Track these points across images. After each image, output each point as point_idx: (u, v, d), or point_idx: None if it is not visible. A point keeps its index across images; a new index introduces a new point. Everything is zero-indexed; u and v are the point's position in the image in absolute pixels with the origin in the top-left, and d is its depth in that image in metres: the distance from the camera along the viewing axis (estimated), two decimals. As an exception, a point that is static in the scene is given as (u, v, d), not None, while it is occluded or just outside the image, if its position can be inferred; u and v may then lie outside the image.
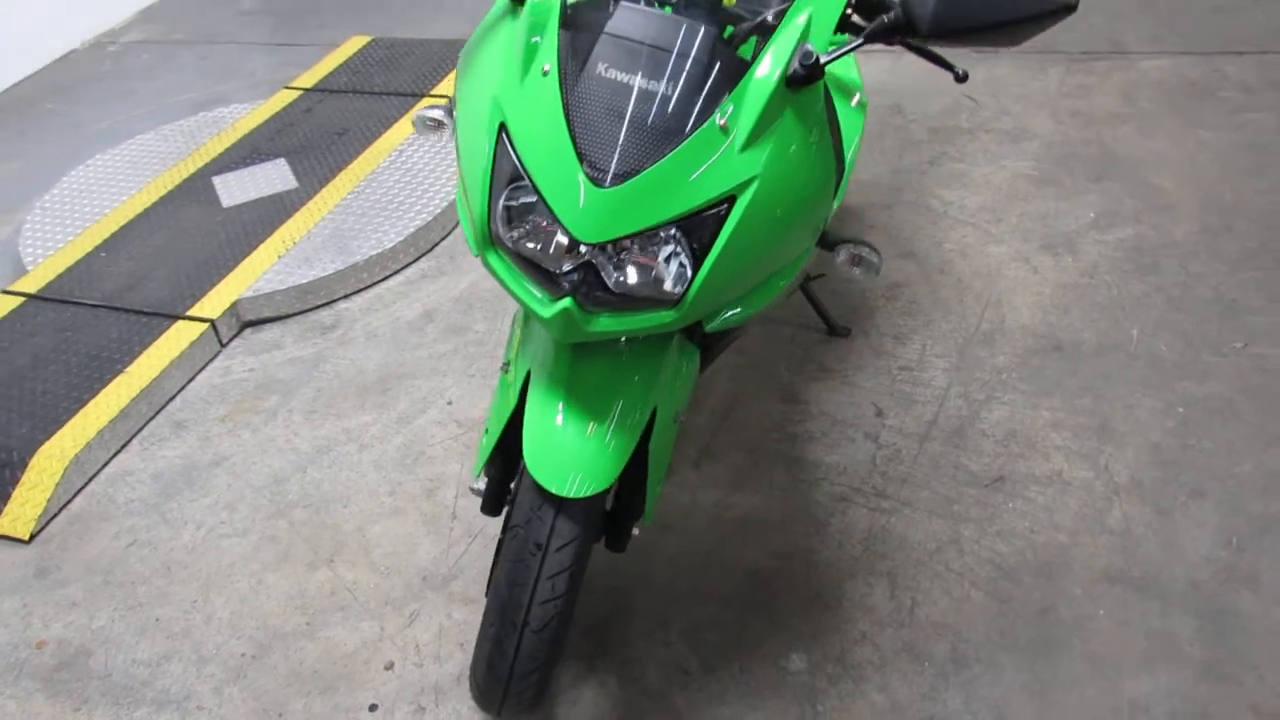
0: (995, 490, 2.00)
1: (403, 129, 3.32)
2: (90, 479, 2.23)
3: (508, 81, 1.22)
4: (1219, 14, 3.73)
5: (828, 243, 1.45)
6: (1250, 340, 2.29)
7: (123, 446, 2.32)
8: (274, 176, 3.12)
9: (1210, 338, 2.31)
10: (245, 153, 3.26)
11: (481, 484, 1.58)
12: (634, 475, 1.49)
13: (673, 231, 1.20)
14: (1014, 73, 3.50)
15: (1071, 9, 1.12)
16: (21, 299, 2.67)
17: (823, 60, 1.18)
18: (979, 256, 2.65)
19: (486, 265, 1.29)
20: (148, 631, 1.89)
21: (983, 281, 2.56)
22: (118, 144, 3.46)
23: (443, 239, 2.95)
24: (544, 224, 1.21)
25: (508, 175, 1.22)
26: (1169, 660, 1.68)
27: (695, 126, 1.18)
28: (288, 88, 3.67)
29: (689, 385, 1.50)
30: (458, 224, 2.99)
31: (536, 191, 1.19)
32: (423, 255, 2.88)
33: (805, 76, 1.18)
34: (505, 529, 1.42)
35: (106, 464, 2.27)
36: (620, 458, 1.35)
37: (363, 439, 2.28)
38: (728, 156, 1.18)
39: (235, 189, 3.07)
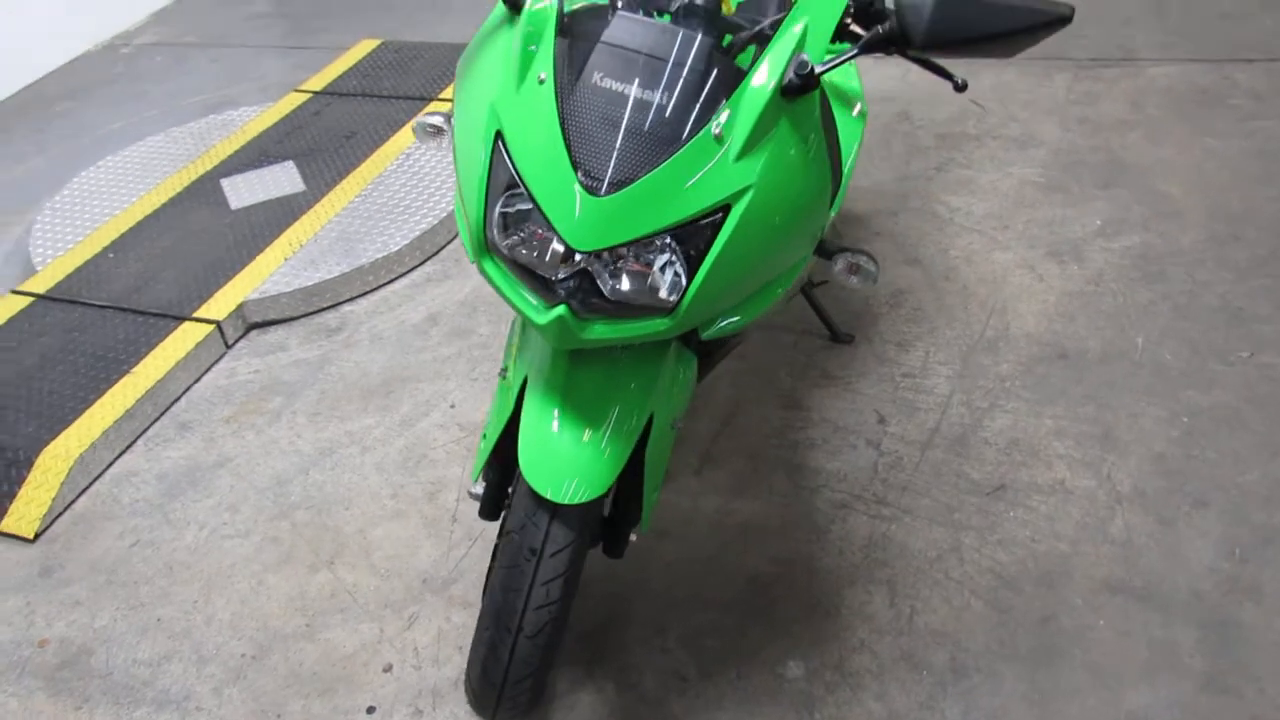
0: (997, 499, 2.00)
1: (410, 133, 3.33)
2: (95, 479, 2.25)
3: (504, 89, 1.22)
4: (1228, 20, 3.71)
5: (825, 251, 1.44)
6: (1257, 349, 2.28)
7: (128, 447, 2.33)
8: (282, 179, 3.13)
9: (1217, 346, 2.30)
10: (254, 155, 3.28)
11: (480, 488, 1.59)
12: (632, 482, 1.49)
13: (667, 240, 1.20)
14: (1022, 79, 3.49)
15: (1066, 21, 1.12)
16: (30, 299, 2.70)
17: (818, 70, 1.18)
18: (984, 263, 2.64)
19: (482, 272, 1.29)
20: (149, 631, 1.90)
21: (988, 288, 2.55)
22: (128, 146, 3.49)
23: (448, 243, 2.96)
24: (539, 232, 1.21)
25: (504, 183, 1.23)
26: (1170, 671, 1.67)
27: (690, 135, 1.18)
28: (297, 91, 3.69)
29: (686, 392, 1.50)
30: (464, 227, 2.99)
31: (532, 199, 1.19)
32: (428, 259, 2.89)
33: (801, 86, 1.18)
34: (501, 534, 1.43)
35: (111, 464, 2.29)
36: (616, 464, 1.35)
37: (366, 441, 2.29)
38: (723, 165, 1.18)
39: (243, 191, 3.09)
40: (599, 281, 1.23)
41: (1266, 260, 2.53)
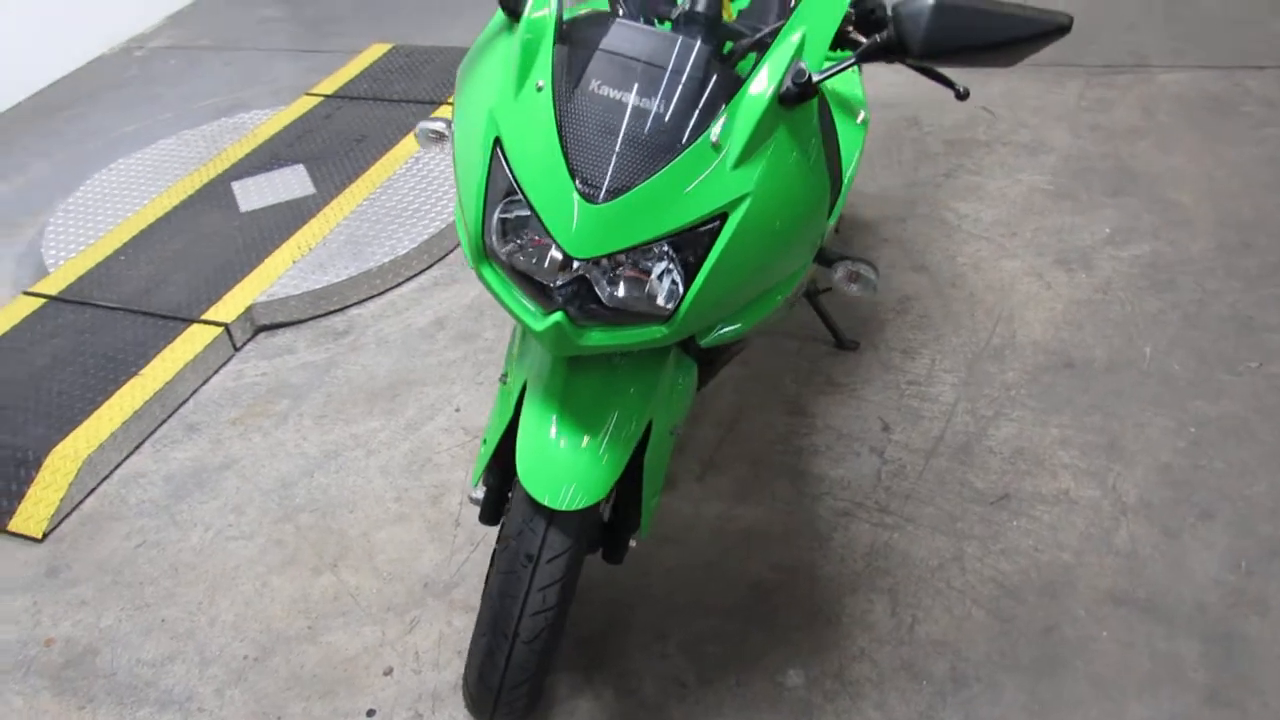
0: (1000, 508, 1.99)
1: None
2: (103, 479, 2.27)
3: (503, 96, 1.23)
4: (1240, 26, 3.68)
5: (826, 259, 1.44)
6: (1266, 359, 2.26)
7: (136, 448, 2.35)
8: (292, 182, 3.15)
9: (1225, 356, 2.28)
10: (265, 158, 3.30)
11: (480, 493, 1.59)
12: (631, 488, 1.49)
13: (665, 247, 1.20)
14: (1032, 85, 3.48)
15: (1065, 30, 1.11)
16: (43, 300, 2.72)
17: (815, 78, 1.18)
18: (992, 271, 2.63)
19: (481, 278, 1.30)
20: (153, 632, 1.91)
21: (995, 296, 2.54)
22: (141, 148, 3.52)
23: (456, 247, 2.97)
24: (537, 238, 1.22)
25: (503, 189, 1.23)
26: (1173, 683, 1.66)
27: (688, 143, 1.18)
28: (308, 94, 3.72)
29: (686, 399, 1.50)
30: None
31: (530, 206, 1.20)
32: (436, 262, 2.90)
33: (798, 94, 1.18)
34: (499, 539, 1.43)
35: (120, 465, 2.31)
36: (613, 470, 1.36)
37: (371, 445, 2.30)
38: (720, 173, 1.18)
39: (254, 194, 3.11)
40: (596, 288, 1.23)
41: (1277, 269, 2.51)
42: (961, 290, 2.57)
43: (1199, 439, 2.09)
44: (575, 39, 1.26)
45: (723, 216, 1.20)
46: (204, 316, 2.60)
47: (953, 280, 2.61)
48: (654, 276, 1.22)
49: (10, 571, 2.07)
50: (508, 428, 1.46)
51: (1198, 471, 2.02)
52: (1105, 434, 2.12)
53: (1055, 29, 1.11)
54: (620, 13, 1.43)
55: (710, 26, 1.29)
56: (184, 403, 2.47)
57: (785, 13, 1.52)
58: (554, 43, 1.24)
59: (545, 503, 1.32)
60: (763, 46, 1.34)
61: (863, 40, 1.27)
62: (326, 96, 3.68)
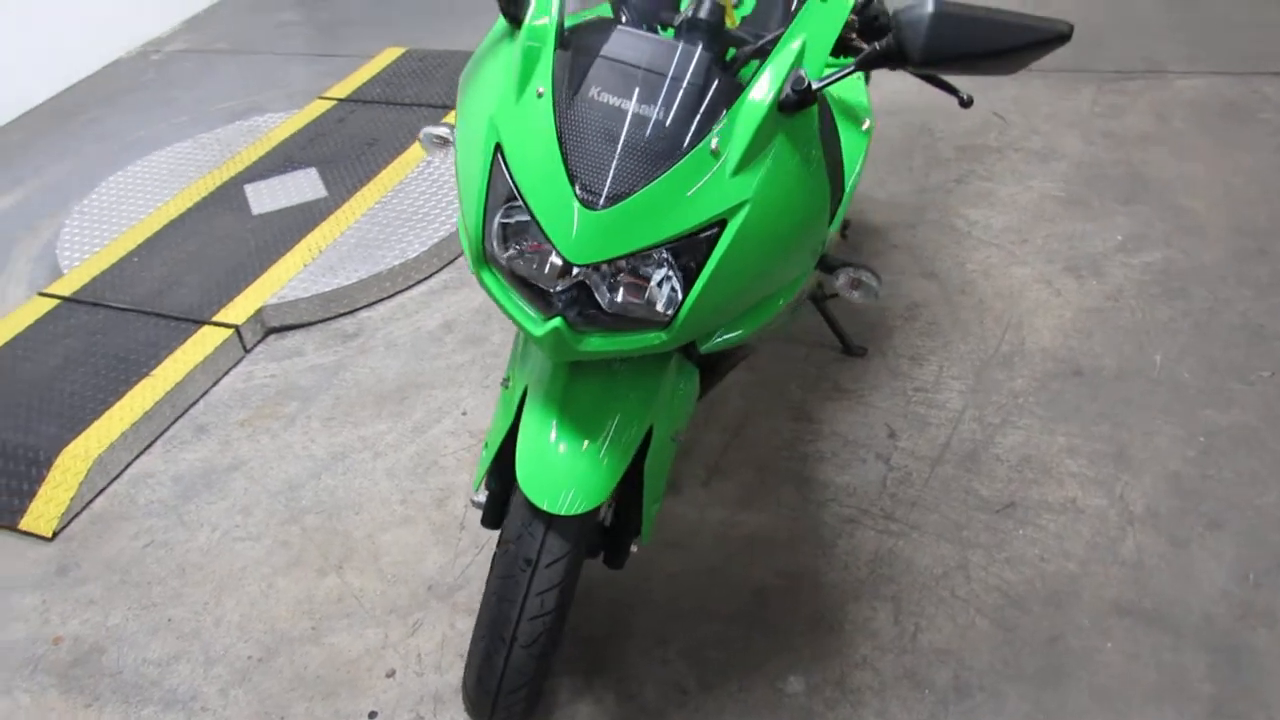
0: (1006, 516, 1.98)
1: (432, 140, 3.36)
2: (113, 479, 2.29)
3: (504, 102, 1.23)
4: (1259, 32, 3.65)
5: (828, 265, 1.44)
6: (1278, 368, 2.24)
7: (146, 448, 2.37)
8: (304, 185, 3.17)
9: (1236, 365, 2.26)
10: (278, 161, 3.32)
11: (482, 497, 1.60)
12: (633, 493, 1.49)
13: (664, 254, 1.20)
14: (1045, 91, 3.46)
15: (1065, 39, 1.11)
16: (57, 301, 2.75)
17: (815, 85, 1.18)
18: (1002, 278, 2.62)
19: (481, 283, 1.30)
20: (160, 631, 1.93)
21: (1004, 303, 2.53)
22: (156, 151, 3.55)
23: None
24: (537, 244, 1.22)
25: (503, 195, 1.23)
26: (1178, 695, 1.65)
27: (688, 150, 1.18)
28: (322, 98, 3.74)
29: (687, 405, 1.50)
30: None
31: (530, 212, 1.20)
32: (445, 266, 2.91)
33: (798, 101, 1.18)
34: (499, 543, 1.43)
35: (129, 465, 2.33)
36: (613, 476, 1.36)
37: (378, 447, 2.31)
38: (719, 180, 1.18)
39: (266, 197, 3.13)
40: (596, 294, 1.23)
41: (1291, 278, 2.49)
42: (971, 297, 2.56)
43: (1208, 448, 2.07)
44: (577, 45, 1.26)
45: (722, 223, 1.20)
46: (215, 318, 2.62)
47: (962, 287, 2.60)
48: (653, 283, 1.22)
49: (20, 570, 2.09)
50: (509, 432, 1.46)
51: (1207, 481, 2.00)
52: (1113, 443, 2.11)
53: (1055, 37, 1.10)
54: (623, 19, 1.43)
55: (712, 33, 1.29)
56: (194, 404, 2.49)
57: (788, 20, 1.52)
58: (555, 49, 1.24)
59: (544, 507, 1.32)
60: (764, 54, 1.34)
61: (866, 47, 1.27)
62: (340, 100, 3.70)
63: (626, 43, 1.24)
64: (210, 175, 3.28)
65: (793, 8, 1.56)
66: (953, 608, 1.82)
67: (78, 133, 3.96)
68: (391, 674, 1.80)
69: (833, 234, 1.52)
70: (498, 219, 1.25)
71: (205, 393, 2.52)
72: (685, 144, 1.19)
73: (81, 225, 3.11)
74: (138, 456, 2.35)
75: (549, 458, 1.35)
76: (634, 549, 1.59)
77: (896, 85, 3.59)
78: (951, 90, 1.41)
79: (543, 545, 1.35)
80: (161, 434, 2.41)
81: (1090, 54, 3.66)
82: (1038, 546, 1.91)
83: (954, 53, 1.12)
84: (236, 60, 4.48)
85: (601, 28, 1.29)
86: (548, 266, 1.22)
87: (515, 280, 1.27)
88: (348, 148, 3.36)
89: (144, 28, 4.79)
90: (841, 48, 1.40)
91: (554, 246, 1.19)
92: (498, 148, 1.23)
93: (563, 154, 1.19)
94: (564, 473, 1.33)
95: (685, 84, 1.21)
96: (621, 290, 1.23)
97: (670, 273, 1.22)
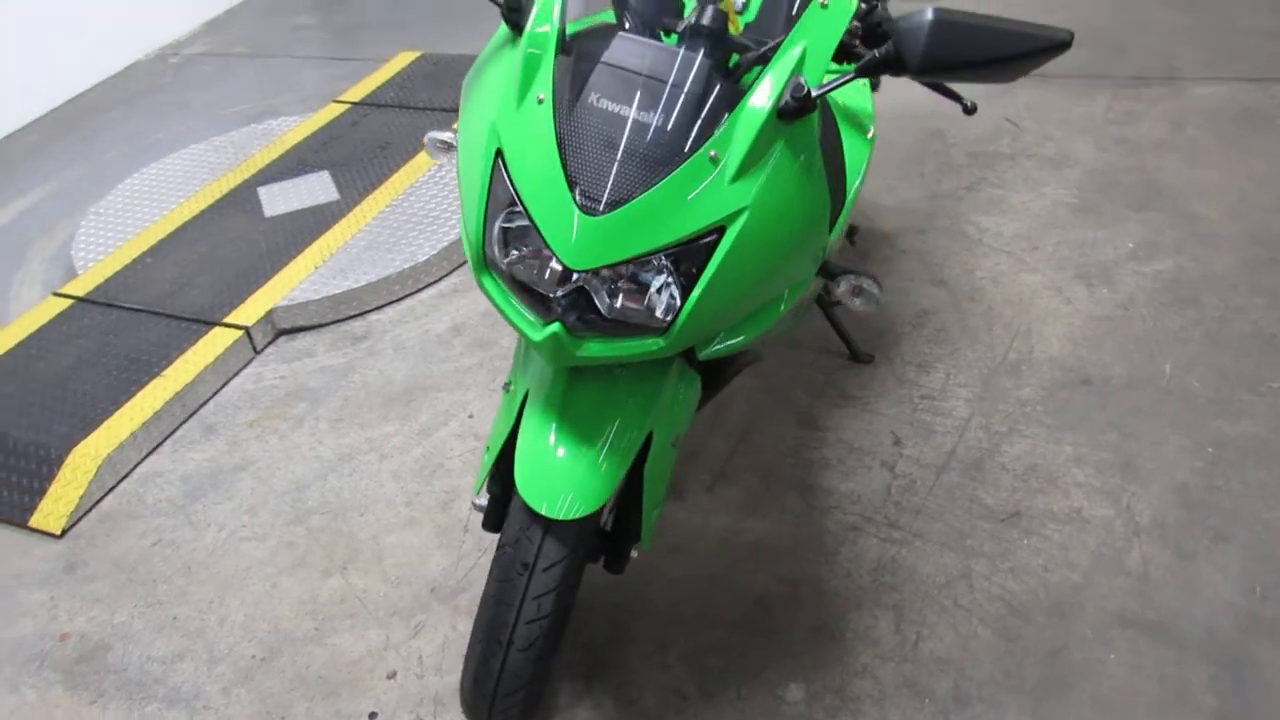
0: (1010, 525, 1.97)
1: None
2: (122, 478, 2.31)
3: (504, 109, 1.24)
4: (1275, 39, 3.62)
5: (830, 272, 1.44)
6: (1289, 379, 2.22)
7: (155, 448, 2.39)
8: (317, 188, 3.20)
9: (1247, 375, 2.24)
10: (292, 164, 3.35)
11: (484, 500, 1.60)
12: (634, 498, 1.49)
13: (663, 260, 1.21)
14: (1059, 97, 3.45)
15: (1065, 46, 1.10)
16: (70, 301, 2.78)
17: (815, 92, 1.18)
18: (1011, 285, 2.61)
19: (481, 287, 1.31)
20: (165, 629, 1.94)
21: (1013, 311, 2.52)
22: (171, 153, 3.58)
23: (476, 253, 2.99)
24: (536, 250, 1.23)
25: (504, 201, 1.24)
26: (1180, 708, 1.63)
27: (687, 157, 1.19)
28: (336, 101, 3.77)
29: (688, 411, 1.50)
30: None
31: (529, 218, 1.21)
32: (455, 269, 2.92)
33: (797, 108, 1.18)
34: (497, 546, 1.44)
35: (139, 464, 2.35)
36: (611, 480, 1.36)
37: (384, 449, 2.32)
38: (718, 187, 1.18)
39: (279, 200, 3.16)
40: (596, 298, 1.24)
41: (1304, 287, 2.46)
42: (979, 304, 2.55)
43: (1217, 459, 2.06)
44: (579, 52, 1.27)
45: (721, 230, 1.20)
46: (226, 320, 2.64)
47: (971, 294, 2.59)
48: (652, 289, 1.23)
49: (29, 567, 2.11)
50: (510, 435, 1.47)
51: (1214, 493, 1.98)
52: (1121, 452, 2.09)
53: (1055, 45, 1.10)
54: (626, 26, 1.44)
55: (715, 40, 1.29)
56: (204, 404, 2.51)
57: (790, 26, 1.52)
58: (556, 56, 1.25)
59: (542, 511, 1.32)
60: (767, 60, 1.34)
61: (866, 53, 1.27)
62: (353, 104, 3.73)
63: (628, 49, 1.25)
64: (224, 178, 3.31)
65: (795, 14, 1.56)
66: (955, 617, 1.81)
67: (95, 135, 4.00)
68: (393, 675, 1.81)
69: (834, 241, 1.52)
70: (498, 224, 1.25)
71: (215, 393, 2.54)
72: (684, 151, 1.19)
73: (96, 226, 3.14)
74: (147, 456, 2.37)
75: (548, 462, 1.35)
76: (634, 554, 1.59)
77: (909, 91, 3.57)
78: (955, 97, 1.40)
79: (540, 549, 1.35)
80: (171, 434, 2.43)
81: (1106, 60, 3.64)
82: (1042, 556, 1.90)
83: (953, 60, 1.12)
84: (253, 63, 4.51)
85: (603, 34, 1.29)
86: (548, 272, 1.22)
87: (515, 285, 1.27)
88: (360, 151, 3.38)
89: (163, 31, 4.83)
90: (844, 54, 1.40)
91: (553, 252, 1.20)
92: (499, 153, 1.24)
93: (562, 160, 1.20)
94: (562, 477, 1.34)
95: (686, 90, 1.22)
96: (621, 296, 1.23)
97: (669, 279, 1.22)
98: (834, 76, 1.23)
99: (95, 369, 2.52)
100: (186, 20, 4.97)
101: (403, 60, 4.06)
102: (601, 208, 1.18)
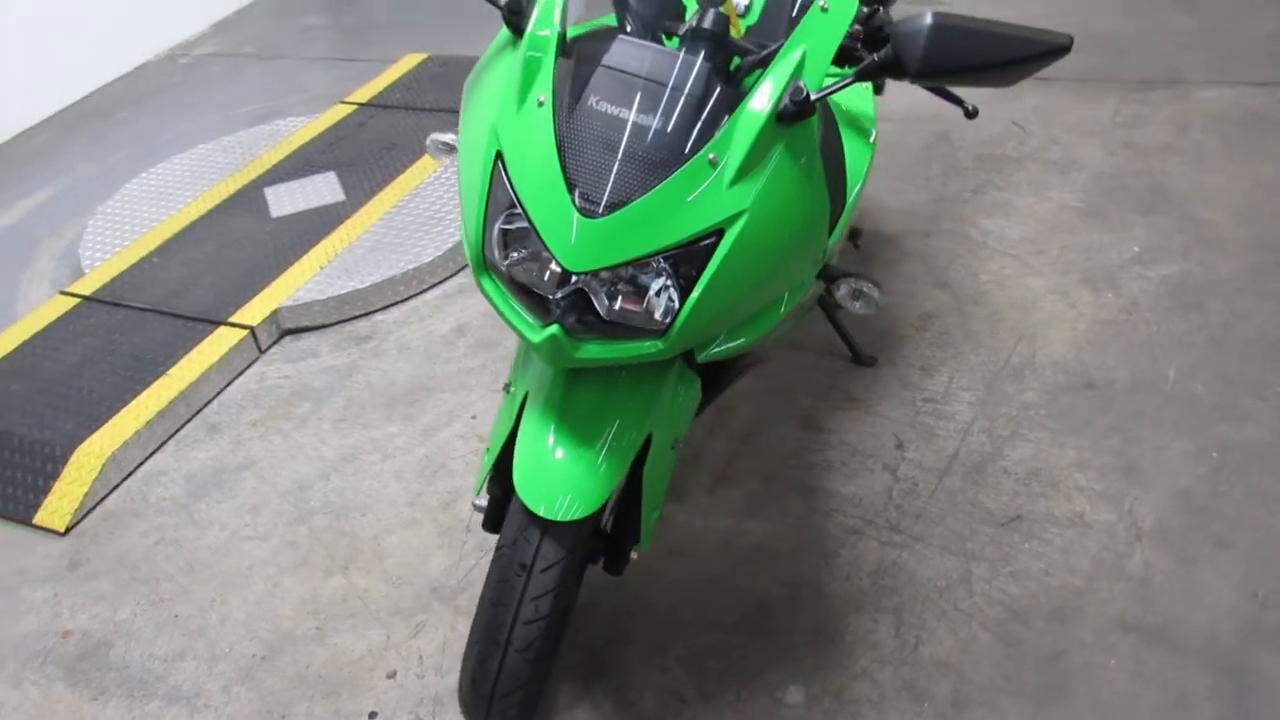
0: (1012, 530, 1.96)
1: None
2: (126, 476, 2.32)
3: (505, 111, 1.25)
4: (1287, 44, 3.61)
5: (830, 276, 1.44)
6: (1295, 385, 2.21)
7: (159, 446, 2.40)
8: (323, 189, 3.21)
9: (1252, 380, 2.24)
10: (298, 165, 3.36)
11: (484, 501, 1.60)
12: (634, 500, 1.50)
13: (662, 262, 1.21)
14: (1066, 101, 3.44)
15: (1065, 51, 1.10)
16: (77, 300, 2.79)
17: (814, 96, 1.18)
18: (1016, 289, 2.60)
19: (481, 289, 1.31)
20: (166, 627, 1.95)
21: (1017, 314, 2.51)
22: (179, 153, 3.60)
23: (480, 254, 2.99)
24: (535, 251, 1.23)
25: (503, 203, 1.25)
26: (1181, 714, 1.63)
27: (686, 160, 1.19)
28: (343, 102, 3.78)
29: (687, 413, 1.51)
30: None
31: (529, 220, 1.21)
32: (459, 271, 2.93)
33: (796, 112, 1.18)
34: (496, 547, 1.44)
35: (143, 462, 2.36)
36: (610, 482, 1.36)
37: (387, 449, 2.32)
38: (717, 190, 1.18)
39: (285, 200, 3.17)
40: (595, 300, 1.24)
41: (1310, 293, 2.45)
42: (983, 308, 2.55)
43: (1221, 464, 2.05)
44: (580, 54, 1.27)
45: (719, 233, 1.20)
46: (231, 319, 2.65)
47: (975, 298, 2.59)
48: (651, 291, 1.23)
49: (33, 564, 2.12)
50: (510, 437, 1.47)
51: (1217, 498, 1.98)
52: (1123, 457, 2.09)
53: (1054, 50, 1.10)
54: (628, 29, 1.44)
55: (717, 43, 1.30)
56: (208, 403, 2.52)
57: (792, 30, 1.52)
58: (556, 59, 1.25)
59: (540, 512, 1.33)
60: (768, 64, 1.34)
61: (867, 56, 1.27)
62: (360, 105, 3.74)
63: (628, 52, 1.25)
64: (231, 178, 3.33)
65: (796, 17, 1.56)
66: (955, 621, 1.81)
67: (105, 134, 4.02)
68: (393, 675, 1.82)
69: (835, 244, 1.52)
70: (498, 226, 1.26)
71: (219, 392, 2.55)
72: (683, 154, 1.20)
73: (104, 226, 3.16)
74: (151, 454, 2.38)
75: (546, 463, 1.35)
76: (634, 556, 1.59)
77: (915, 93, 3.57)
78: (957, 101, 1.40)
79: (538, 550, 1.36)
80: (175, 433, 2.44)
81: (1114, 64, 3.63)
82: (1043, 561, 1.89)
83: (952, 65, 1.12)
84: (261, 64, 4.53)
85: (604, 37, 1.29)
86: (547, 274, 1.23)
87: (515, 287, 1.28)
88: (367, 152, 3.39)
89: (173, 31, 4.86)
90: (845, 58, 1.40)
91: (552, 254, 1.20)
92: (498, 156, 1.24)
93: (562, 163, 1.20)
94: (560, 478, 1.34)
95: (686, 93, 1.22)
96: (620, 298, 1.23)
97: (668, 281, 1.22)
98: (834, 80, 1.23)
99: (101, 367, 2.53)
100: (196, 21, 4.99)
101: (410, 61, 4.07)
102: (600, 210, 1.19)
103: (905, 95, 3.55)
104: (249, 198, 3.20)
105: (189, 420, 2.47)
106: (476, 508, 1.62)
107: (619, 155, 1.19)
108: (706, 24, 1.30)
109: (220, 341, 2.58)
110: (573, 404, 1.39)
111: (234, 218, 3.10)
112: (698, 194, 1.18)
